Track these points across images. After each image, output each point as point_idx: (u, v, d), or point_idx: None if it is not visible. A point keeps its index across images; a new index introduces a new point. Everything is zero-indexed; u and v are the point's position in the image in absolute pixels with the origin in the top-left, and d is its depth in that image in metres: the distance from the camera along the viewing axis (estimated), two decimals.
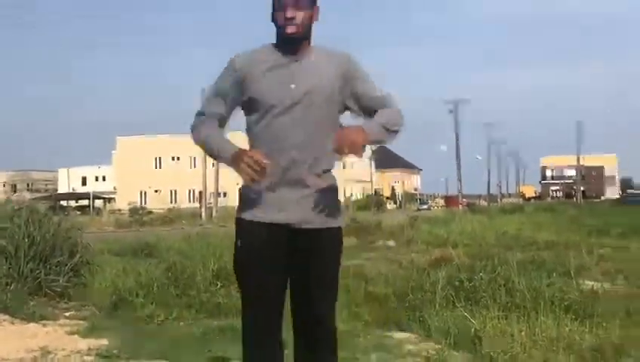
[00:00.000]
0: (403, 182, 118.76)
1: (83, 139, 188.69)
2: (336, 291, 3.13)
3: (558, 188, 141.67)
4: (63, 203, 69.31)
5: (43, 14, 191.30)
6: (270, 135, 3.00)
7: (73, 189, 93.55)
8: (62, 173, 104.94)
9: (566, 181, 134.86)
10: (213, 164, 52.73)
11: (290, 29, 2.97)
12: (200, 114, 3.12)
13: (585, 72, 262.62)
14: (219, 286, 7.84)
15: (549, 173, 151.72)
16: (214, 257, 9.54)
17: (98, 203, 78.84)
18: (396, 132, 3.12)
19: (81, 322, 7.00)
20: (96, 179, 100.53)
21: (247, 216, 3.05)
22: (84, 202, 76.25)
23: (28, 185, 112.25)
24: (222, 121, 3.12)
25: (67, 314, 7.53)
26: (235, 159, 2.88)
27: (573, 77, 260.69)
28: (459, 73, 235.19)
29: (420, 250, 15.81)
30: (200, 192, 57.19)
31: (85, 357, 5.65)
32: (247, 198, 3.07)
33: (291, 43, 3.02)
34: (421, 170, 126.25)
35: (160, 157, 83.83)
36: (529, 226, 24.76)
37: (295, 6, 2.96)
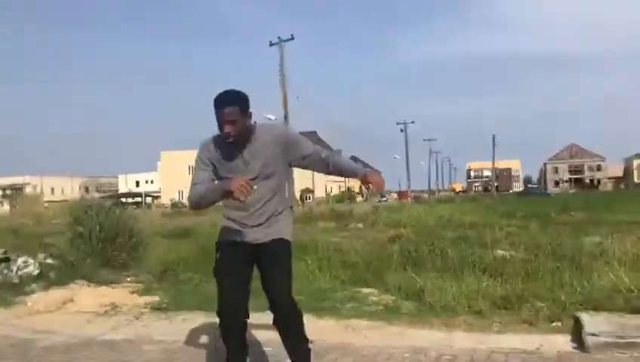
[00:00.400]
0: None
1: (135, 151, 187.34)
2: (288, 278, 3.10)
3: (479, 184, 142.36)
4: (123, 200, 68.86)
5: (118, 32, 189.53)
6: (234, 202, 2.99)
7: (130, 190, 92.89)
8: (121, 178, 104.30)
9: (484, 179, 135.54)
10: None
11: (231, 139, 2.97)
12: (194, 184, 3.10)
13: (499, 99, 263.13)
14: None
15: (472, 174, 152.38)
16: None
17: (148, 200, 78.30)
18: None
19: (138, 285, 7.01)
20: (147, 182, 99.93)
21: (222, 239, 3.15)
22: (138, 199, 75.71)
23: (96, 187, 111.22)
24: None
25: (128, 279, 7.53)
26: (230, 183, 2.85)
27: (491, 103, 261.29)
28: (406, 101, 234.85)
29: (381, 229, 15.87)
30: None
31: (143, 309, 5.69)
32: (223, 231, 3.17)
33: (236, 144, 3.01)
34: (382, 172, 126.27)
35: (192, 166, 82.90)
36: (458, 212, 24.85)
37: (231, 123, 2.92)
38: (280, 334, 3.16)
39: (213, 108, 2.94)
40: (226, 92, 2.97)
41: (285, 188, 3.23)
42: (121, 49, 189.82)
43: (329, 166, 3.11)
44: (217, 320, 3.06)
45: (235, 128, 2.94)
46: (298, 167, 3.17)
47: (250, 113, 3.01)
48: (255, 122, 3.07)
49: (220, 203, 3.12)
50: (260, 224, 3.10)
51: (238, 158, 3.05)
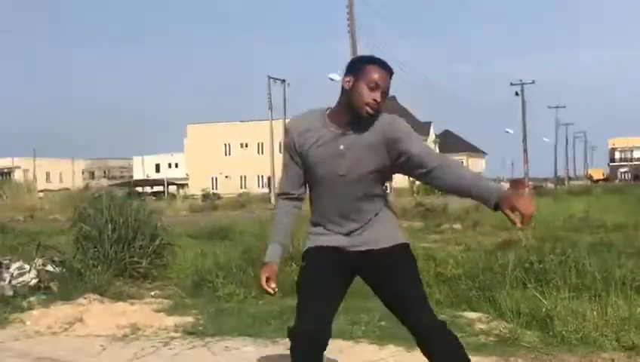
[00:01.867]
0: (468, 166, 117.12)
1: (156, 127, 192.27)
2: (426, 297, 3.27)
3: (627, 169, 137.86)
4: (139, 189, 70.95)
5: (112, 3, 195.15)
6: (322, 203, 3.25)
7: (147, 176, 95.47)
8: (137, 161, 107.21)
9: (635, 163, 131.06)
10: (280, 149, 53.30)
11: (371, 111, 3.07)
12: (281, 194, 3.37)
13: None
14: (293, 266, 7.99)
15: (617, 155, 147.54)
16: None
17: (172, 189, 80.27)
18: None
19: (165, 300, 7.26)
20: (169, 166, 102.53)
21: (310, 244, 3.32)
22: (159, 188, 77.71)
23: (105, 172, 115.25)
24: (299, 196, 3.35)
25: (152, 293, 7.81)
26: (261, 271, 3.25)
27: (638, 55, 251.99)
28: (521, 53, 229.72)
29: (487, 232, 15.71)
30: (269, 178, 57.72)
31: (172, 334, 5.89)
32: (308, 234, 3.36)
33: (359, 119, 3.10)
34: (486, 153, 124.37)
35: (229, 144, 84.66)
36: (597, 209, 24.19)
37: (384, 94, 3.09)
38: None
39: (360, 64, 3.11)
40: (382, 59, 3.14)
41: (384, 190, 3.36)
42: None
43: (442, 180, 3.07)
44: (289, 343, 3.19)
45: (384, 103, 3.10)
46: (395, 171, 3.21)
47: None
48: None
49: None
50: (360, 226, 3.24)
51: (330, 148, 3.15)
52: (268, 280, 3.18)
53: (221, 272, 7.76)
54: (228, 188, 72.82)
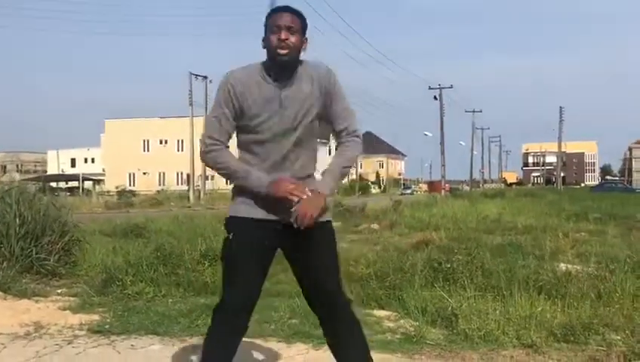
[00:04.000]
0: (387, 168, 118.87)
1: (72, 121, 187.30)
2: (339, 271, 3.41)
3: (539, 174, 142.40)
4: (53, 184, 68.95)
5: None
6: (259, 151, 3.26)
7: (62, 171, 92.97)
8: (51, 155, 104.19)
9: (547, 167, 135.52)
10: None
11: (283, 51, 3.17)
12: (212, 139, 3.28)
13: (566, 57, 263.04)
14: (206, 265, 7.95)
15: (530, 160, 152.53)
16: (202, 238, 9.65)
17: (87, 184, 78.37)
18: (348, 172, 3.48)
19: (72, 299, 7.10)
20: (85, 161, 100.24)
21: (240, 213, 3.30)
22: (74, 184, 75.83)
23: (17, 166, 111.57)
24: (226, 140, 3.32)
25: (59, 291, 7.62)
26: (277, 187, 3.15)
27: (556, 63, 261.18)
28: (441, 59, 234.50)
29: (403, 233, 15.96)
30: (188, 175, 57.04)
31: (77, 332, 5.75)
32: (238, 200, 3.33)
33: (282, 67, 3.21)
34: (405, 155, 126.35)
35: (148, 141, 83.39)
36: (509, 211, 24.92)
37: (289, 30, 3.17)
38: (337, 349, 3.37)
39: (265, 21, 3.23)
40: (285, 5, 3.28)
41: (316, 150, 3.41)
42: None
43: (345, 172, 3.40)
44: (211, 319, 3.30)
45: (293, 39, 3.17)
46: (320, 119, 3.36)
47: (307, 39, 3.27)
48: None
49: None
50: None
51: (273, 99, 3.22)
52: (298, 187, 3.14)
53: (131, 270, 7.63)
54: (146, 185, 71.73)
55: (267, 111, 3.22)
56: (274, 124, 3.22)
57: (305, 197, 3.11)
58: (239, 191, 3.32)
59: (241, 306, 3.27)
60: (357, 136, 3.38)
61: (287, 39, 3.16)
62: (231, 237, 3.30)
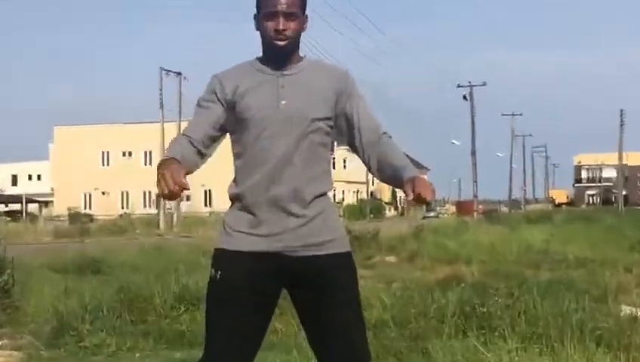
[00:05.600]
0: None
1: (14, 129, 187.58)
2: (364, 326, 3.32)
3: (595, 192, 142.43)
4: None
5: None
6: (252, 154, 3.20)
7: (1, 190, 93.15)
8: None
9: (605, 184, 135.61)
10: None
11: (281, 43, 3.21)
12: (183, 134, 3.28)
13: (626, 54, 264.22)
14: (182, 310, 7.96)
15: (584, 174, 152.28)
16: (176, 275, 9.67)
17: (32, 207, 78.54)
18: None
19: (15, 353, 7.10)
20: (30, 178, 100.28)
21: (227, 245, 3.22)
22: (15, 206, 75.94)
23: None
24: (199, 145, 3.24)
25: None
26: (159, 166, 2.99)
27: (614, 59, 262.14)
28: (472, 54, 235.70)
29: (426, 266, 15.99)
30: (157, 195, 57.24)
31: None
32: (229, 227, 3.24)
33: (281, 55, 3.25)
34: (429, 169, 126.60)
35: (108, 152, 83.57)
36: (559, 239, 24.88)
37: (288, 16, 3.19)
38: None
39: (257, 1, 3.25)
40: None
41: (330, 162, 3.38)
42: None
43: (376, 150, 3.28)
44: None
45: (292, 26, 3.21)
46: (336, 131, 3.34)
47: (307, 17, 3.32)
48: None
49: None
50: (306, 214, 3.19)
51: (268, 88, 3.23)
52: (175, 172, 2.92)
53: (88, 316, 7.63)
54: (105, 208, 71.75)
55: (260, 97, 3.21)
56: (266, 115, 3.19)
57: (170, 186, 2.88)
58: (232, 215, 3.25)
59: None
60: (390, 137, 3.36)
61: (285, 29, 3.19)
62: (218, 277, 3.20)
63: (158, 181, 2.89)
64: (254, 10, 3.29)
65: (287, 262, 3.16)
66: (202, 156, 3.26)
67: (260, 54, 3.32)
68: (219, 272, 3.21)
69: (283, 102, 3.20)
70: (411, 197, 3.04)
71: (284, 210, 3.16)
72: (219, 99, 3.26)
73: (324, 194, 3.28)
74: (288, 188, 3.17)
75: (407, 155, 3.43)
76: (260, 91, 3.22)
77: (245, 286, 3.15)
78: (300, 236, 3.17)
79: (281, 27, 3.18)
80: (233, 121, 3.26)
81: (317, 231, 3.19)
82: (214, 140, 3.29)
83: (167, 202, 53.49)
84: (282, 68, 3.26)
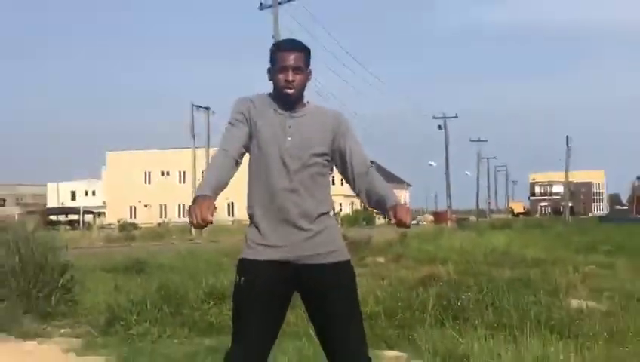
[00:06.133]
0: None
1: (73, 152, 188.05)
2: (361, 322, 3.32)
3: (546, 204, 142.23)
4: (53, 217, 69.02)
5: (24, 20, 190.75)
6: (265, 180, 3.26)
7: (62, 204, 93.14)
8: (51, 187, 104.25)
9: (554, 197, 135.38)
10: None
11: (289, 91, 3.30)
12: (220, 149, 3.30)
13: (572, 87, 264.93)
14: (211, 304, 7.93)
15: (537, 189, 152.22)
16: (206, 274, 9.64)
17: (88, 218, 78.52)
18: None
19: (75, 339, 7.06)
20: (86, 193, 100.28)
21: (250, 255, 3.27)
22: (74, 217, 75.94)
23: (16, 199, 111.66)
24: (237, 156, 3.29)
25: (61, 331, 7.58)
26: (193, 201, 3.05)
27: (562, 91, 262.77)
28: (445, 87, 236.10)
29: (409, 266, 15.90)
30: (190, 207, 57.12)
31: None
32: (250, 239, 3.29)
33: (289, 101, 3.32)
34: (410, 185, 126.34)
35: (149, 172, 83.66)
36: (517, 243, 24.83)
37: (296, 70, 3.30)
38: None
39: (271, 54, 3.34)
40: (290, 39, 3.47)
41: (329, 186, 3.42)
42: (44, 15, 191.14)
43: (364, 181, 3.36)
44: None
45: (298, 79, 3.31)
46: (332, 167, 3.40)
47: (311, 71, 3.40)
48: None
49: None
50: (312, 230, 3.24)
51: (278, 125, 3.30)
52: (203, 208, 2.97)
53: (135, 309, 7.60)
54: (147, 218, 71.75)
55: (273, 135, 3.27)
56: (275, 149, 3.25)
57: (198, 220, 2.96)
58: (251, 230, 3.29)
59: (253, 360, 3.20)
60: (374, 169, 3.43)
61: (293, 81, 3.29)
62: (241, 282, 3.25)
63: (190, 214, 2.98)
64: (265, 64, 3.37)
65: (298, 269, 3.22)
66: (238, 165, 3.30)
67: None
68: (242, 278, 3.26)
69: (289, 138, 3.27)
70: (394, 221, 3.17)
71: (294, 226, 3.22)
72: (246, 120, 3.32)
73: (327, 212, 3.33)
74: (296, 209, 3.22)
75: (393, 174, 3.49)
76: (272, 127, 3.29)
77: (263, 290, 3.21)
78: (307, 247, 3.23)
79: (290, 78, 3.28)
80: (251, 141, 3.32)
81: (322, 243, 3.25)
82: (244, 154, 3.33)
83: None
84: (290, 110, 3.32)
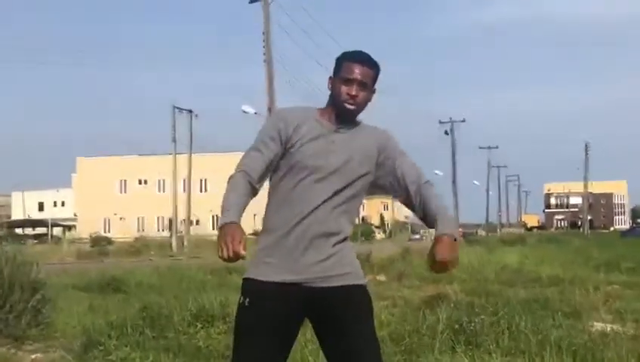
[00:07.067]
0: (393, 210, 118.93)
1: (40, 160, 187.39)
2: (380, 354, 3.26)
3: (563, 217, 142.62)
4: (18, 231, 68.81)
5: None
6: (298, 196, 3.21)
7: (29, 216, 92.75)
8: (16, 197, 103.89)
9: (572, 209, 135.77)
10: (184, 188, 52.62)
11: (350, 107, 3.30)
12: (242, 165, 3.27)
13: (592, 92, 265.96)
14: (198, 327, 7.92)
15: (553, 201, 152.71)
16: (191, 294, 9.64)
17: (57, 231, 78.27)
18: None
19: None
20: (55, 204, 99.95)
21: (257, 276, 3.22)
22: (42, 230, 75.70)
23: None
24: (259, 178, 3.26)
25: (32, 356, 7.56)
26: (220, 230, 3.02)
27: (580, 97, 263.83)
28: (453, 92, 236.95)
29: (413, 285, 15.93)
30: (170, 220, 57.03)
31: None
32: (260, 258, 3.25)
33: (347, 117, 3.31)
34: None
35: (125, 181, 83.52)
36: (532, 259, 24.90)
37: (361, 86, 3.29)
38: None
39: (338, 62, 3.34)
40: (360, 51, 3.38)
41: (358, 210, 3.44)
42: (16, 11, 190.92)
43: (419, 197, 3.31)
44: None
45: (362, 95, 3.30)
46: (378, 185, 3.39)
47: (375, 90, 3.40)
48: None
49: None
50: (326, 251, 3.21)
51: (322, 141, 3.27)
52: (235, 240, 2.95)
53: (114, 333, 7.60)
54: (122, 231, 71.56)
55: (314, 148, 3.25)
56: (317, 164, 3.22)
57: (229, 253, 2.95)
58: (261, 247, 3.26)
59: None
60: (432, 186, 3.37)
61: (357, 96, 3.28)
62: (246, 303, 3.21)
63: (219, 245, 2.97)
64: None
65: (310, 291, 3.18)
66: (256, 193, 3.27)
67: (323, 106, 3.39)
68: (247, 299, 3.21)
69: (332, 156, 3.25)
70: (433, 263, 3.12)
71: (311, 246, 3.18)
72: (280, 138, 3.27)
73: (347, 238, 3.31)
74: (318, 228, 3.19)
75: None
76: (315, 142, 3.26)
77: (270, 313, 3.16)
78: (321, 269, 3.19)
79: (354, 93, 3.27)
80: (280, 159, 3.28)
81: (336, 265, 3.21)
82: (265, 178, 3.31)
83: (178, 225, 53.47)
84: (338, 126, 3.31)
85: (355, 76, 3.26)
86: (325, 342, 3.25)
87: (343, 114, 3.30)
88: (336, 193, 3.22)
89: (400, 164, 3.34)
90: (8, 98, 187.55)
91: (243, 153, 3.39)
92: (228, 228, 2.99)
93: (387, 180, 3.36)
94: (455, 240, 3.16)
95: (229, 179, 3.23)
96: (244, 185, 3.19)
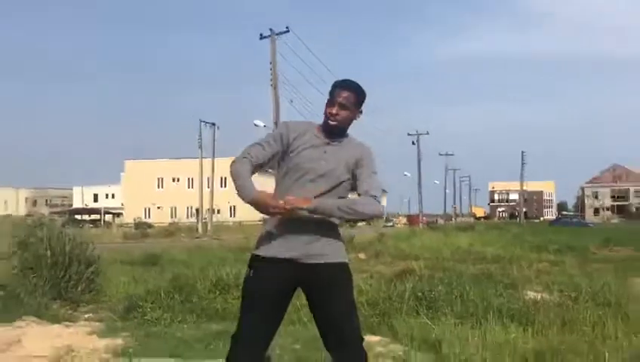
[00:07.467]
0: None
1: (96, 161, 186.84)
2: (357, 316, 3.26)
3: (503, 209, 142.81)
4: (78, 217, 68.52)
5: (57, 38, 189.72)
6: (293, 192, 3.19)
7: (86, 205, 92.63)
8: (76, 191, 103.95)
9: (510, 203, 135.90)
10: (208, 185, 52.45)
11: (332, 123, 3.28)
12: (246, 153, 3.25)
13: (528, 108, 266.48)
14: (217, 294, 7.87)
15: (496, 197, 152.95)
16: (212, 267, 9.57)
17: (108, 217, 78.10)
18: (347, 216, 3.26)
19: (98, 324, 6.99)
20: (107, 196, 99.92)
21: (260, 252, 3.24)
22: (96, 216, 75.49)
23: (46, 200, 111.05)
24: (257, 166, 3.24)
25: (86, 316, 7.51)
26: (258, 202, 3.08)
27: (518, 112, 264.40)
28: (419, 110, 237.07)
29: (387, 262, 15.90)
30: (197, 209, 56.77)
31: (104, 355, 5.65)
32: (263, 238, 3.26)
33: (330, 131, 3.29)
34: (387, 192, 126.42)
35: (162, 178, 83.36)
36: (479, 242, 24.92)
37: (341, 106, 3.27)
38: None
39: (331, 88, 3.33)
40: (349, 79, 3.39)
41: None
42: (74, 35, 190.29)
43: (338, 212, 3.22)
44: (228, 346, 3.17)
45: (342, 114, 3.28)
46: (353, 187, 3.34)
47: (361, 112, 3.38)
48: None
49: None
50: (315, 236, 3.19)
51: (316, 149, 3.27)
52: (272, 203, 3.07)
53: (150, 298, 7.54)
54: (159, 218, 71.34)
55: (310, 155, 3.25)
56: (311, 167, 3.22)
57: (286, 207, 3.07)
58: (266, 230, 3.26)
59: (255, 344, 3.15)
60: (373, 197, 3.26)
61: (337, 115, 3.26)
62: (251, 274, 3.23)
63: (271, 211, 3.09)
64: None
65: (301, 266, 3.17)
66: (254, 173, 3.26)
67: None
68: (251, 271, 3.24)
69: (323, 162, 3.24)
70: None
71: (303, 229, 3.17)
72: (282, 141, 3.28)
73: (334, 225, 3.27)
74: (309, 216, 3.15)
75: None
76: (311, 149, 3.26)
77: (270, 283, 3.17)
78: (310, 249, 3.17)
79: (334, 112, 3.26)
80: (282, 160, 3.29)
81: (326, 246, 3.21)
82: (262, 168, 3.28)
83: (203, 213, 53.31)
84: (329, 139, 3.29)
85: (336, 98, 3.26)
86: (314, 307, 3.24)
87: (327, 128, 3.29)
88: (322, 194, 3.21)
89: (361, 173, 3.29)
90: (70, 113, 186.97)
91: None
92: (263, 194, 3.10)
93: (353, 181, 3.31)
94: (306, 209, 3.12)
95: (235, 162, 3.22)
96: (249, 167, 3.20)
